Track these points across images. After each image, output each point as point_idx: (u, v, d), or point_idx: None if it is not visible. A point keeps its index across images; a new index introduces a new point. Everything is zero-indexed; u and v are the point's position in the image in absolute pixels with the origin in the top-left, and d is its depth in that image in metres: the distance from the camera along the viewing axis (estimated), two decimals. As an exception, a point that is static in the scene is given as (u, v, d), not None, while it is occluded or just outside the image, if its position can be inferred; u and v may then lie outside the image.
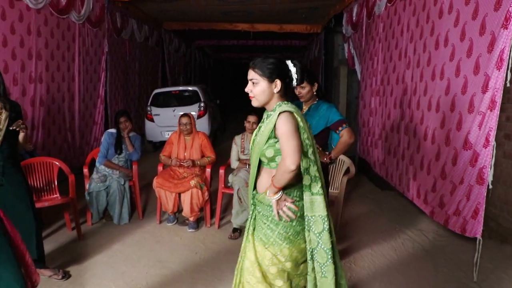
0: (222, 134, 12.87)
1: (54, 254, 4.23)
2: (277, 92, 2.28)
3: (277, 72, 2.26)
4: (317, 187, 2.25)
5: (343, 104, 10.89)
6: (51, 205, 4.57)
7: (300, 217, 2.29)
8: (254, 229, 2.40)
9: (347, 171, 4.67)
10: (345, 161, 4.71)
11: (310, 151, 2.25)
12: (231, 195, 4.92)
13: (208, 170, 5.13)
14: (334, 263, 2.30)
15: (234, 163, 5.07)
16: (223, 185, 5.03)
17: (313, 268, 2.32)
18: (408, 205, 5.59)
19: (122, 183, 5.06)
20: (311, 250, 2.29)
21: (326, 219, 2.25)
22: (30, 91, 6.12)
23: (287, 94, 2.35)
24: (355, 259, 4.12)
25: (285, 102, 2.29)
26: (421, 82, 4.84)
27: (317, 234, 2.26)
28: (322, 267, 2.28)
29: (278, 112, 2.19)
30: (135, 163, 5.30)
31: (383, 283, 3.63)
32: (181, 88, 11.17)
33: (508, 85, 3.31)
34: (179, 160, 5.04)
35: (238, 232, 4.74)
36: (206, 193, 4.92)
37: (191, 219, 4.95)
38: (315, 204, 2.25)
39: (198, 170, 5.08)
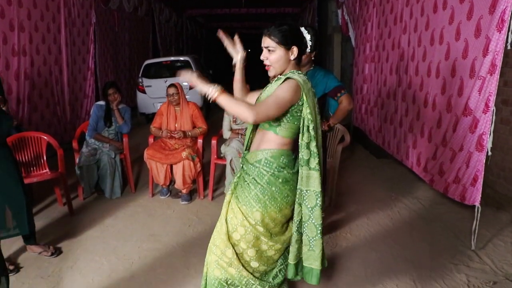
0: (216, 104, 12.69)
1: (46, 230, 4.16)
2: (293, 60, 2.25)
3: (293, 39, 2.23)
4: (314, 163, 2.23)
5: (338, 72, 10.72)
6: (41, 181, 4.48)
7: (281, 183, 2.25)
8: (235, 188, 2.38)
9: (342, 139, 4.58)
10: (339, 129, 4.60)
11: (311, 126, 2.20)
12: (224, 166, 4.84)
13: (200, 141, 5.03)
14: (322, 238, 2.31)
15: (226, 133, 4.96)
16: (215, 156, 4.94)
17: (298, 240, 2.34)
18: (404, 173, 5.53)
19: (113, 156, 4.94)
20: (298, 222, 2.30)
21: (319, 195, 2.24)
22: (13, 65, 5.93)
23: (301, 61, 2.32)
24: (350, 229, 4.06)
25: (299, 71, 2.25)
26: (419, 47, 4.69)
27: (310, 209, 2.26)
28: (311, 241, 2.31)
29: (286, 77, 2.17)
30: (126, 136, 5.17)
31: (379, 252, 3.58)
32: (172, 58, 10.97)
33: (508, 47, 3.18)
34: (170, 131, 4.92)
35: (232, 203, 4.67)
36: (198, 165, 4.82)
37: (184, 191, 4.86)
38: (311, 179, 2.24)
39: (189, 141, 4.97)
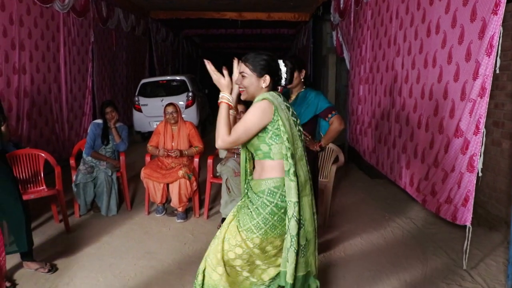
0: (211, 123, 12.78)
1: (42, 247, 4.16)
2: (265, 87, 2.35)
3: (267, 69, 2.33)
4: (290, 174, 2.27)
5: (332, 93, 10.85)
6: (38, 197, 4.50)
7: (283, 213, 2.29)
8: (238, 211, 2.43)
9: (336, 159, 4.65)
10: (334, 149, 4.68)
11: (285, 137, 2.24)
12: (220, 185, 4.87)
13: (196, 160, 5.08)
14: (297, 253, 2.28)
15: (222, 153, 5.02)
16: (211, 175, 4.98)
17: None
18: (398, 193, 5.60)
19: (110, 174, 4.98)
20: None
21: (296, 205, 2.22)
22: (14, 82, 6.00)
23: (275, 90, 2.40)
24: (344, 248, 4.11)
25: (270, 92, 2.33)
26: (413, 69, 4.79)
27: (288, 219, 2.26)
28: (287, 252, 2.28)
29: (256, 100, 2.29)
30: (123, 154, 5.23)
31: (372, 272, 3.62)
32: (168, 77, 11.09)
33: (497, 71, 3.28)
34: (166, 150, 4.98)
35: (228, 222, 4.70)
36: (194, 183, 4.88)
37: (180, 209, 4.90)
38: (289, 189, 2.25)
39: (186, 160, 5.03)
